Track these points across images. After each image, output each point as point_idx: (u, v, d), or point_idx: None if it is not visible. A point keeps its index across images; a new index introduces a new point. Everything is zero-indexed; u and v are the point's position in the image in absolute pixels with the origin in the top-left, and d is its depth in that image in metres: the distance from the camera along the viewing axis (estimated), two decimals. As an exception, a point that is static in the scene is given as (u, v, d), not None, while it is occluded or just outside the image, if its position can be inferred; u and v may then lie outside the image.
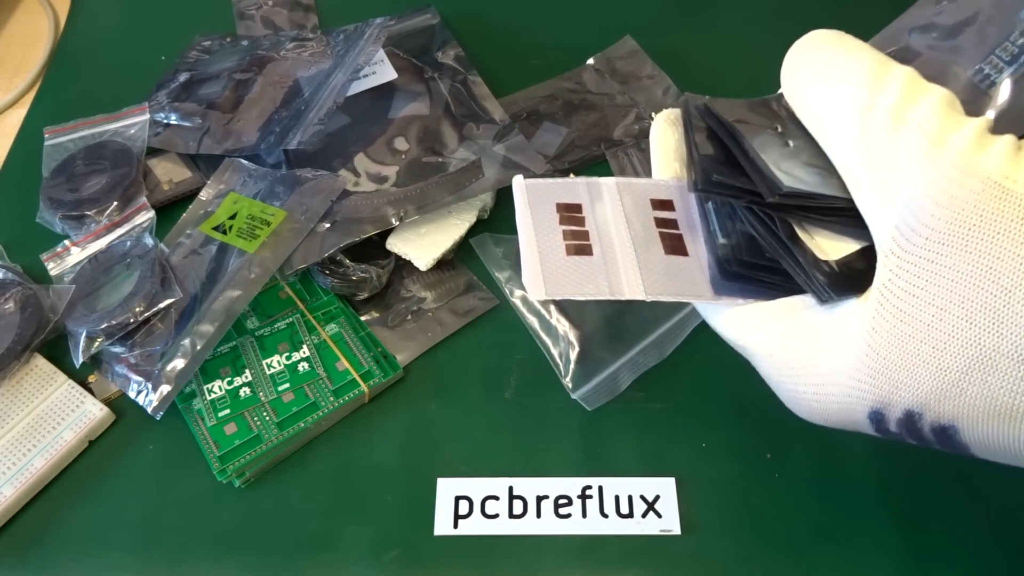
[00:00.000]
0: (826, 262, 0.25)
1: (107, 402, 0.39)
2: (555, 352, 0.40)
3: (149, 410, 0.37)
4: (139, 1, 0.60)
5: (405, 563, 0.35)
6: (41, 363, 0.40)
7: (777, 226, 0.26)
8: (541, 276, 0.27)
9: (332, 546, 0.35)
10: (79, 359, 0.39)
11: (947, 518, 0.34)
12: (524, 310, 0.41)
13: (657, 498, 0.36)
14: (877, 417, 0.24)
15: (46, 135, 0.49)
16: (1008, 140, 0.21)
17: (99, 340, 0.39)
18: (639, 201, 0.29)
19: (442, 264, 0.43)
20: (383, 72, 0.48)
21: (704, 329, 0.31)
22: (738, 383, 0.38)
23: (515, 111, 0.50)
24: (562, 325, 0.40)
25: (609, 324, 0.40)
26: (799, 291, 0.26)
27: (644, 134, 0.48)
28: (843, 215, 0.25)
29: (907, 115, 0.23)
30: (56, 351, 0.40)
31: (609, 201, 0.29)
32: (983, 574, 0.33)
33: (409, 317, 0.42)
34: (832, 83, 0.25)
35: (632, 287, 0.27)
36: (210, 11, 0.59)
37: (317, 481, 0.37)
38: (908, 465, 0.36)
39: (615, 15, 0.57)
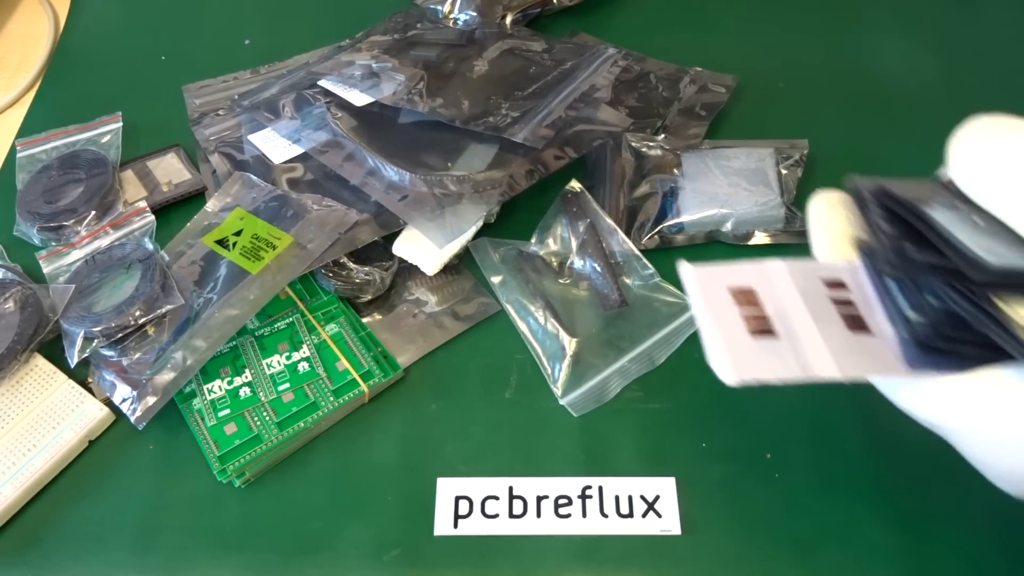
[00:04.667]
0: None
1: (107, 402, 0.39)
2: (545, 358, 0.40)
3: (132, 420, 0.37)
4: (139, 1, 0.60)
5: (405, 563, 0.35)
6: (41, 363, 0.40)
7: (983, 301, 0.26)
8: (729, 358, 0.27)
9: (332, 546, 0.35)
10: (74, 359, 0.39)
11: (947, 518, 0.34)
12: (516, 316, 0.41)
13: (657, 498, 0.36)
14: None
15: (18, 147, 0.48)
16: None
17: (95, 341, 0.39)
18: (811, 282, 0.30)
19: (446, 267, 0.43)
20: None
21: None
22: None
23: None
24: (556, 331, 0.40)
25: (604, 330, 0.40)
26: (999, 359, 0.26)
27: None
28: None
29: None
30: (56, 351, 0.40)
31: (780, 283, 0.30)
32: (983, 574, 0.33)
33: (412, 320, 0.42)
34: (1013, 166, 0.25)
35: (824, 366, 0.27)
36: (210, 11, 0.59)
37: (317, 481, 0.37)
38: (908, 465, 0.36)
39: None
